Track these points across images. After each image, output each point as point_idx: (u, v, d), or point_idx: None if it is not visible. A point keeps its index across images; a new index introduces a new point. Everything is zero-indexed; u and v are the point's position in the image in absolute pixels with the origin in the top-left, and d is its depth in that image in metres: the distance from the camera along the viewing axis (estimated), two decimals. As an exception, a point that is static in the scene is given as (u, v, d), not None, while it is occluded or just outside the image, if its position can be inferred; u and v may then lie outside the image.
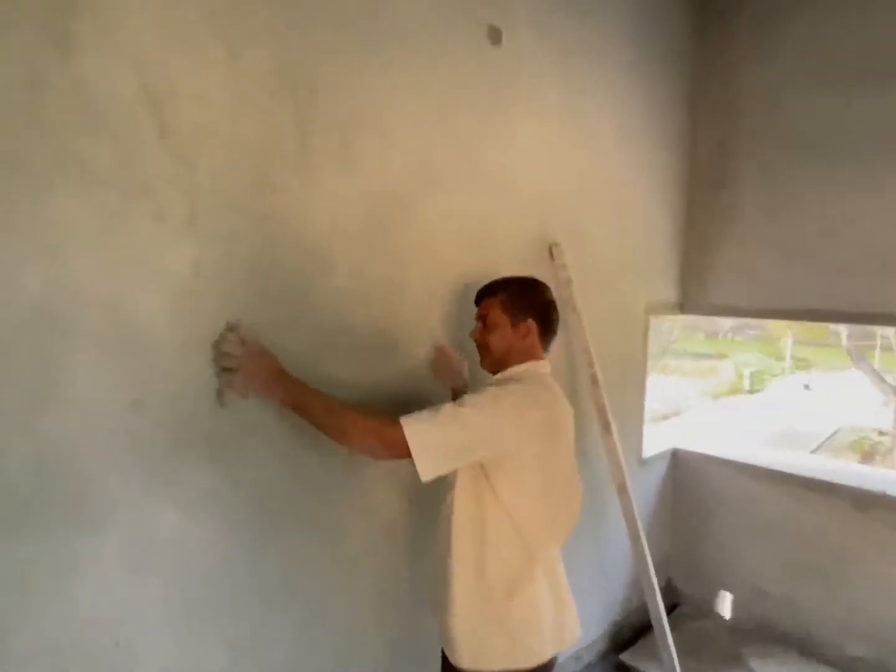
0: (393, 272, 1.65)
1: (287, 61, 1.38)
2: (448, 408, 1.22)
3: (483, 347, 1.46)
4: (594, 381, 2.13)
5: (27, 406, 1.08)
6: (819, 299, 2.55)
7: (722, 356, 20.15)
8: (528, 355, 1.41)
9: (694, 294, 2.89)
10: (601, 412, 2.13)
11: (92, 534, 1.17)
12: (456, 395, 1.68)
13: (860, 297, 2.44)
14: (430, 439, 1.19)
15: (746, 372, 19.82)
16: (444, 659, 1.39)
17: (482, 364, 1.49)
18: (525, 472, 1.29)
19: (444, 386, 1.73)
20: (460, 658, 1.30)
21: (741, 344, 21.16)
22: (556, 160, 2.15)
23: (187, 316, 1.26)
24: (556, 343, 1.50)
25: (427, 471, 1.19)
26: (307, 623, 1.54)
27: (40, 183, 1.07)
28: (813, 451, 13.64)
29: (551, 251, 2.11)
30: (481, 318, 1.46)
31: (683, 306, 2.93)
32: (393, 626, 1.75)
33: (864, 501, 2.46)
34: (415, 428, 1.18)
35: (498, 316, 1.42)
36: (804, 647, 2.60)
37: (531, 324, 1.41)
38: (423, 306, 1.74)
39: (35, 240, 1.06)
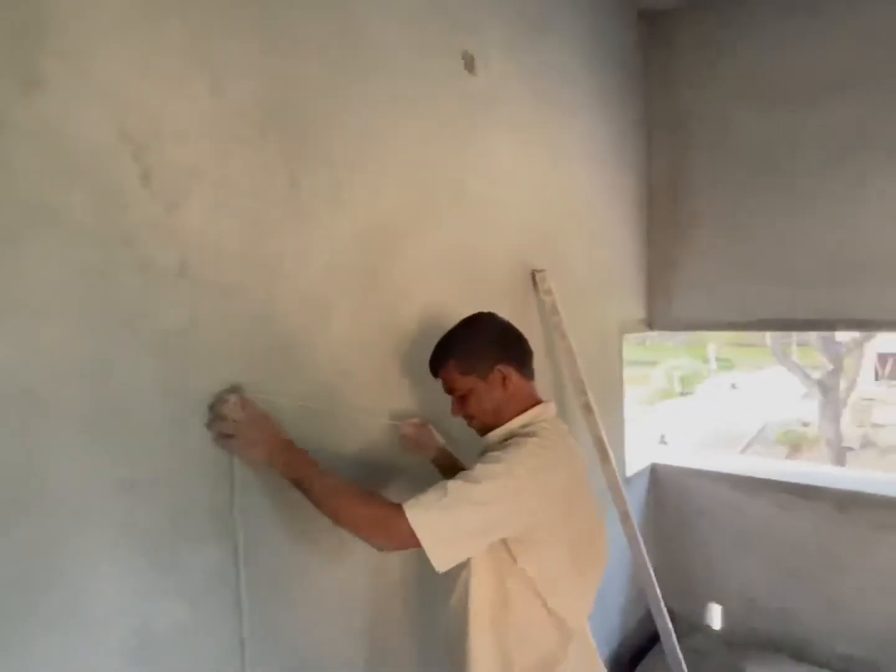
0: (386, 316, 1.55)
1: (271, 94, 1.27)
2: (457, 486, 1.07)
3: (469, 419, 1.32)
4: (588, 409, 2.08)
5: (4, 511, 0.91)
6: (775, 309, 2.64)
7: (653, 363, 20.92)
8: (521, 401, 1.28)
9: (660, 310, 2.94)
10: (599, 443, 2.08)
11: (86, 647, 1.00)
12: (440, 465, 1.53)
13: (815, 305, 2.54)
14: (441, 528, 1.05)
15: (676, 376, 20.70)
16: None
17: (479, 433, 1.34)
18: (552, 541, 1.17)
19: (423, 459, 1.54)
20: None
21: (670, 349, 22.05)
22: (532, 186, 2.13)
23: (180, 379, 1.12)
24: (543, 371, 1.40)
25: (442, 563, 1.06)
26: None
27: (9, 237, 0.91)
28: (743, 448, 14.34)
29: (534, 277, 2.07)
30: (450, 392, 1.32)
31: (651, 323, 2.97)
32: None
33: (845, 502, 2.54)
34: (421, 518, 1.04)
35: (462, 382, 1.27)
36: (797, 651, 2.64)
37: (502, 368, 1.26)
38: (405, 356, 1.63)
39: (7, 304, 0.90)
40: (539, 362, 1.42)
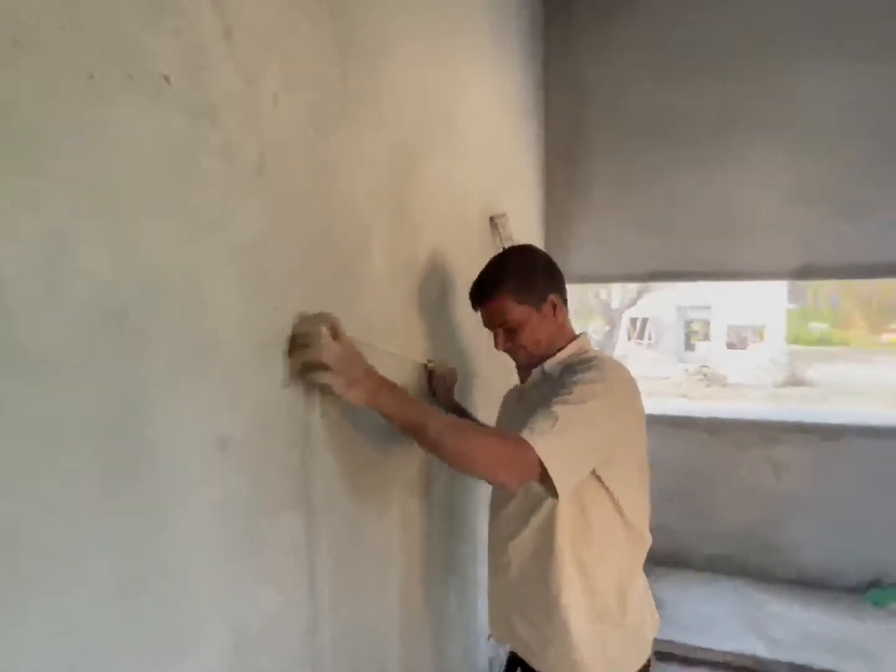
0: (408, 251, 1.40)
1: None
2: (565, 411, 1.03)
3: (516, 351, 1.28)
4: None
5: (109, 475, 0.63)
6: (661, 262, 2.96)
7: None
8: (568, 332, 1.29)
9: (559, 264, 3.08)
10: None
11: (189, 660, 0.75)
12: (453, 412, 1.47)
13: (694, 258, 2.90)
14: (564, 454, 1.01)
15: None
16: None
17: (521, 366, 1.32)
18: (630, 459, 1.20)
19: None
20: None
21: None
22: (485, 133, 2.06)
23: (259, 306, 0.88)
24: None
25: (565, 488, 1.02)
26: None
27: (94, 88, 0.62)
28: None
29: (494, 223, 2.02)
30: (498, 325, 1.26)
31: (549, 276, 3.11)
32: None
33: (715, 428, 2.98)
34: (547, 447, 0.99)
35: (517, 312, 1.23)
36: (675, 560, 3.05)
37: (553, 298, 1.26)
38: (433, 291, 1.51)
39: (87, 183, 0.61)
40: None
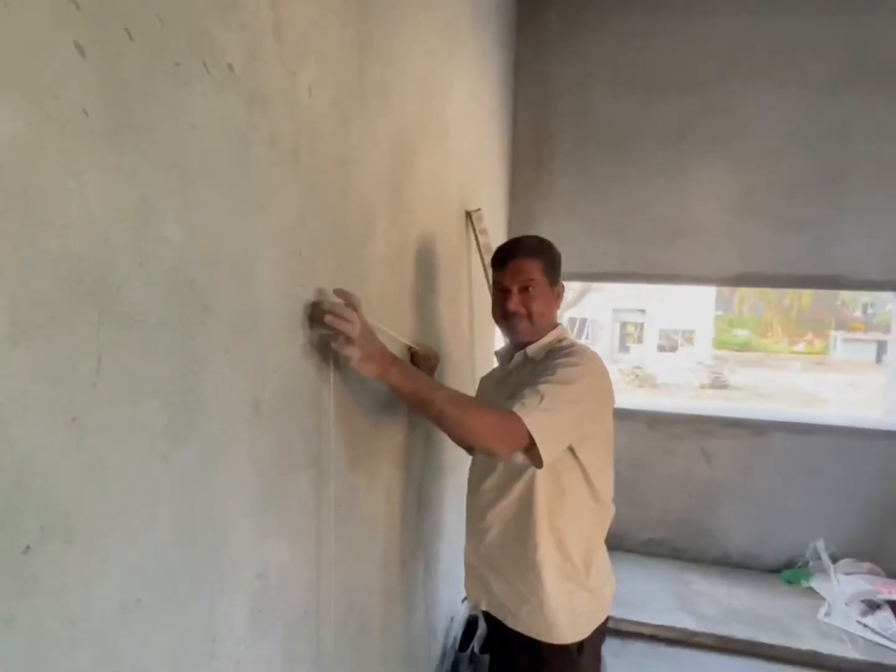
0: (402, 237, 1.49)
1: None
2: (551, 389, 1.16)
3: (522, 317, 1.36)
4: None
5: (172, 428, 0.70)
6: (614, 264, 3.15)
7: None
8: (552, 323, 1.41)
9: (519, 261, 3.23)
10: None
11: (225, 601, 0.82)
12: None
13: (643, 261, 3.11)
14: (549, 427, 1.13)
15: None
16: (516, 643, 1.34)
17: (513, 335, 1.42)
18: (601, 436, 1.34)
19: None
20: (561, 636, 1.29)
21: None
22: (464, 131, 2.17)
23: (290, 280, 0.95)
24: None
25: (549, 458, 1.14)
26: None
27: (178, 75, 0.68)
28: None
29: (470, 217, 2.13)
30: (521, 283, 1.35)
31: (510, 272, 3.25)
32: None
33: (654, 421, 3.21)
34: (536, 420, 1.11)
35: (540, 280, 1.34)
36: (614, 543, 3.25)
37: (559, 287, 1.40)
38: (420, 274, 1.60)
39: (169, 160, 0.68)
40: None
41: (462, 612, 2.48)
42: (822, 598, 2.82)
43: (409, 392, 1.08)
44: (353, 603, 1.29)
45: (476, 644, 2.20)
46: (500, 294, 1.38)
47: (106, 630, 0.62)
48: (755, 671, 2.43)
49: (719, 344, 25.77)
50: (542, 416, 1.13)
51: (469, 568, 1.43)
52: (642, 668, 2.43)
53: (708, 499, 3.19)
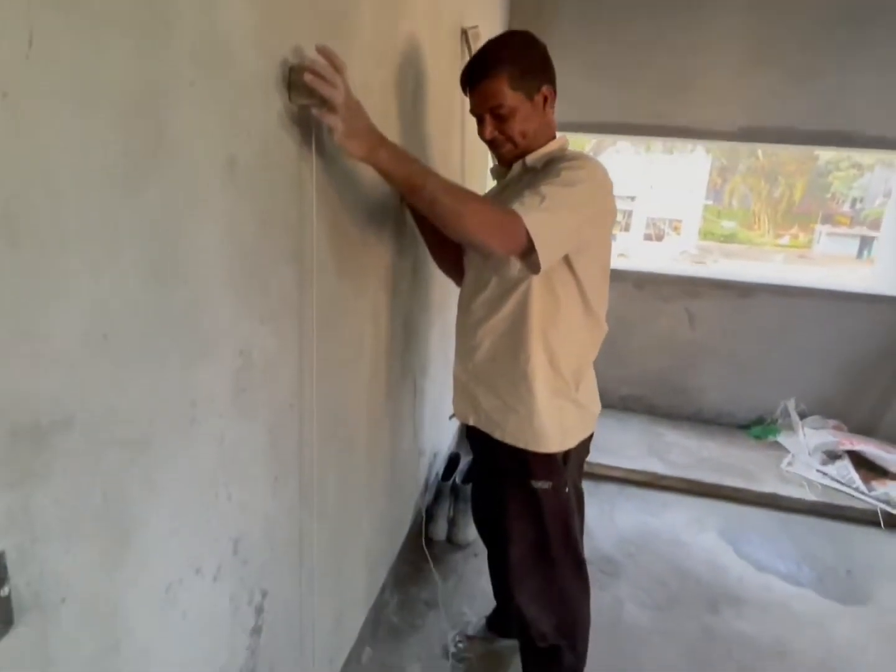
0: (390, 47, 1.32)
1: None
2: (553, 191, 1.08)
3: (502, 142, 1.25)
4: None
5: (133, 157, 0.61)
6: (623, 114, 2.95)
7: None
8: (551, 130, 1.29)
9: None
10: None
11: (203, 368, 0.78)
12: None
13: (657, 113, 2.91)
14: (549, 229, 1.06)
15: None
16: (501, 453, 1.35)
17: (502, 159, 1.31)
18: (600, 250, 1.28)
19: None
20: (548, 445, 1.29)
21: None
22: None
23: (268, 33, 0.82)
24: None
25: (546, 262, 1.08)
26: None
27: None
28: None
29: (466, 35, 1.93)
30: (490, 110, 1.21)
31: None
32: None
33: (642, 281, 3.18)
34: (536, 219, 1.04)
35: (510, 98, 1.18)
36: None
37: (545, 90, 1.23)
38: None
39: None
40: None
41: (444, 450, 2.57)
42: (787, 451, 2.96)
43: (400, 178, 0.99)
44: (338, 417, 1.28)
45: (458, 476, 2.30)
46: (477, 121, 1.27)
47: (71, 360, 0.57)
48: (717, 511, 2.59)
49: (705, 235, 25.64)
50: (542, 216, 1.05)
51: (458, 385, 1.42)
52: (612, 505, 2.58)
53: (687, 359, 3.25)
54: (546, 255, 1.07)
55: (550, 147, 1.27)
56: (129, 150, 0.61)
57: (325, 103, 0.87)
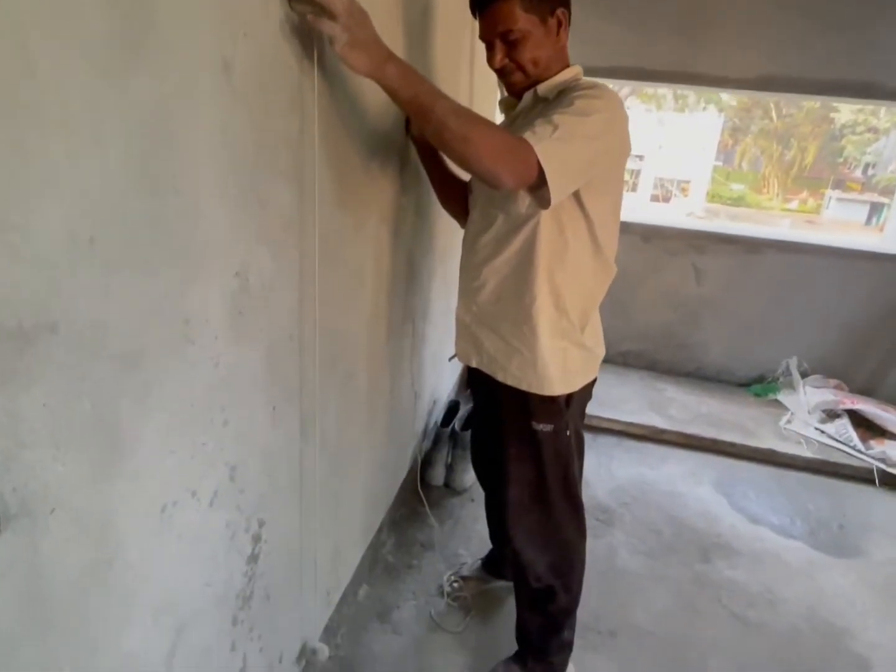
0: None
1: None
2: (566, 120, 1.01)
3: (512, 70, 1.18)
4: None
5: (117, 47, 0.56)
6: (634, 58, 2.83)
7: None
8: (564, 58, 1.22)
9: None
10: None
11: (198, 285, 0.75)
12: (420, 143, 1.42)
13: (670, 58, 2.79)
14: (561, 160, 1.01)
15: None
16: (502, 395, 1.32)
17: (509, 90, 1.25)
18: (611, 187, 1.22)
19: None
20: (551, 388, 1.27)
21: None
22: None
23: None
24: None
25: (557, 195, 1.03)
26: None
27: None
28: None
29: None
30: (500, 35, 1.14)
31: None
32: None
33: (650, 234, 3.11)
34: (548, 149, 0.98)
35: (523, 21, 1.10)
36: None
37: (560, 13, 1.15)
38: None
39: None
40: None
41: (444, 397, 2.56)
42: (786, 409, 2.96)
43: (407, 97, 0.93)
44: (339, 352, 1.26)
45: (457, 423, 2.29)
46: (486, 48, 1.19)
47: (55, 261, 0.54)
48: (714, 465, 2.60)
49: (713, 197, 25.23)
50: (554, 146, 1.00)
51: (460, 326, 1.39)
52: (609, 457, 2.59)
53: (691, 315, 3.21)
54: (557, 187, 1.02)
55: (564, 76, 1.20)
56: (114, 33, 0.56)
57: (325, 10, 0.81)
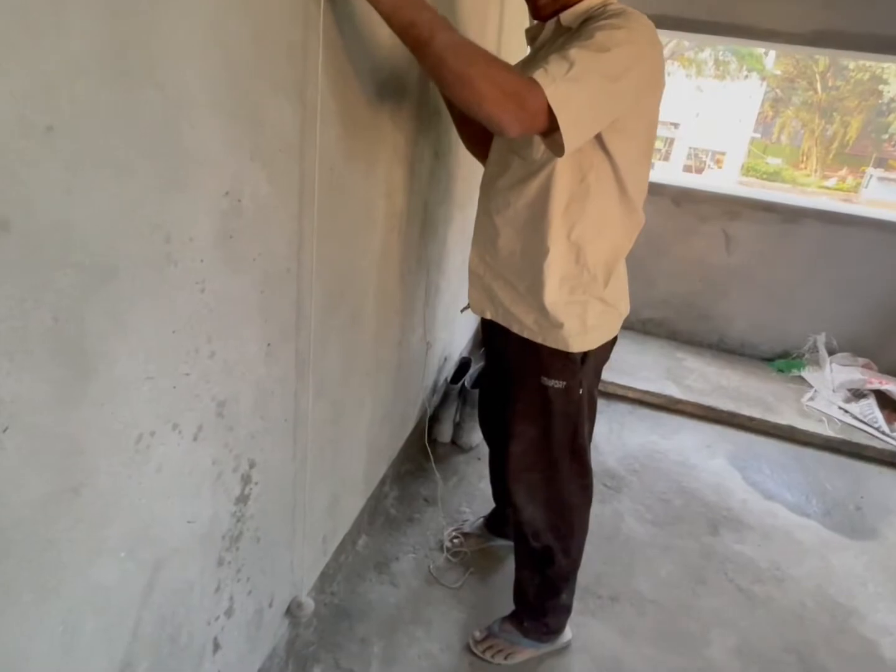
0: None
1: None
2: (583, 56, 0.89)
3: None
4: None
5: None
6: (682, 7, 2.65)
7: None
8: None
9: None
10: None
11: (180, 198, 0.68)
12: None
13: (715, 6, 2.61)
14: (576, 104, 0.89)
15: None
16: (516, 350, 1.26)
17: (538, 14, 1.13)
18: (640, 128, 1.10)
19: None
20: (567, 343, 1.19)
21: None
22: None
23: None
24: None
25: (572, 144, 0.91)
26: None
27: None
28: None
29: None
30: None
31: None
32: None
33: (681, 198, 2.98)
34: (560, 90, 0.86)
35: None
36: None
37: None
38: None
39: None
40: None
41: (455, 355, 2.50)
42: (810, 386, 2.86)
43: (402, 24, 0.83)
44: (343, 292, 1.20)
45: (467, 380, 2.24)
46: None
47: (4, 146, 0.47)
48: (730, 438, 2.53)
49: (747, 171, 24.41)
50: (568, 87, 0.87)
51: (473, 277, 1.31)
52: (621, 424, 2.53)
53: (717, 285, 3.10)
54: (572, 135, 0.90)
55: (591, 1, 1.07)
56: None
57: None
